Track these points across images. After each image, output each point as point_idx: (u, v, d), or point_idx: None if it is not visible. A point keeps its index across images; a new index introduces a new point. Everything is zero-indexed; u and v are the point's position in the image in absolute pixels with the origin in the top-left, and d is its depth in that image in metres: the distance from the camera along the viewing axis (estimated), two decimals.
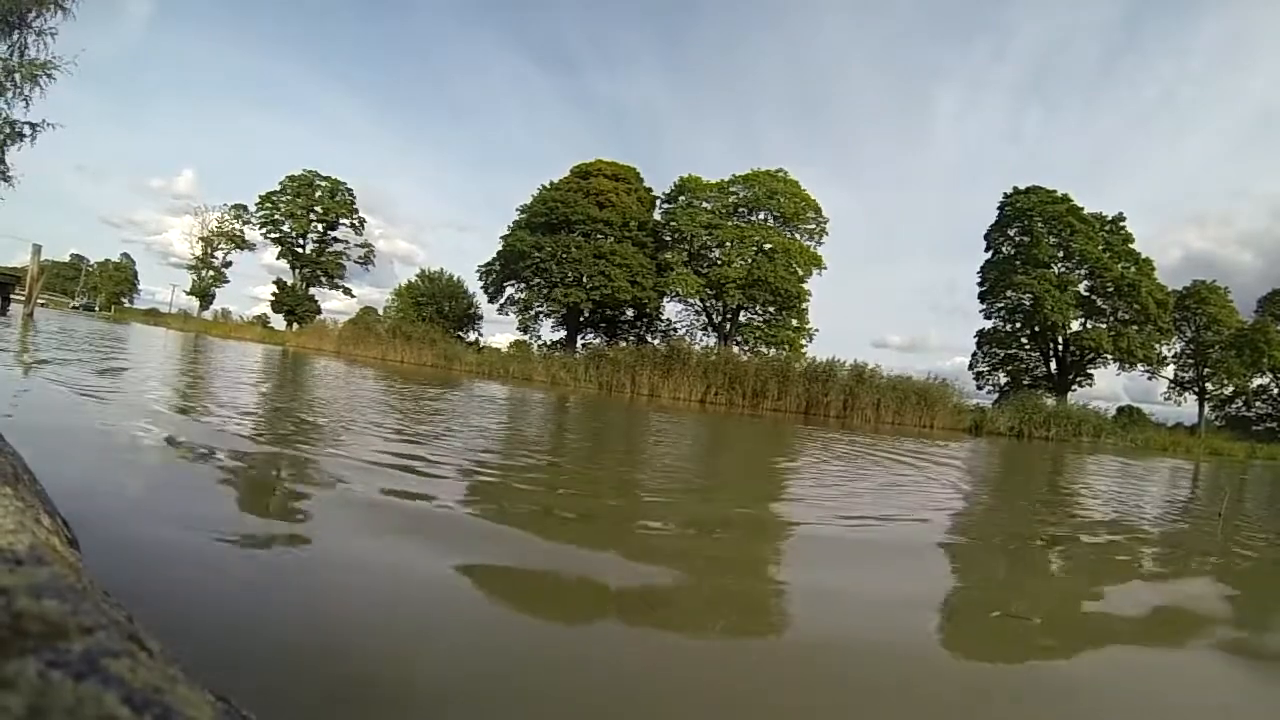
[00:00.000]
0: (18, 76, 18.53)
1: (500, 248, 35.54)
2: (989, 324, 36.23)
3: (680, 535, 2.98)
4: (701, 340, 33.29)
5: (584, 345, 33.75)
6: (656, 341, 31.45)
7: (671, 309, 35.69)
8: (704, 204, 33.92)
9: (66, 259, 69.34)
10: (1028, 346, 35.33)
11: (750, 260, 32.95)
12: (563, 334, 35.30)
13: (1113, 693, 1.75)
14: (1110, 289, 32.89)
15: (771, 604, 2.30)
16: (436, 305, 37.45)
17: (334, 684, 1.37)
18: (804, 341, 33.69)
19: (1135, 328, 32.59)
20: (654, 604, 2.06)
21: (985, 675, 1.85)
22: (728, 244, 33.15)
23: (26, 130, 19.16)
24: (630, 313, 34.93)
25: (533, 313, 34.80)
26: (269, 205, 43.10)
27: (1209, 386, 35.54)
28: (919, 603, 2.40)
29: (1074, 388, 34.18)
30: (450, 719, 1.34)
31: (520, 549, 2.47)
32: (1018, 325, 34.80)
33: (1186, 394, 36.35)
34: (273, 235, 43.49)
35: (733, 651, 1.83)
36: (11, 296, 23.07)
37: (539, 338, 35.53)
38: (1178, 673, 1.97)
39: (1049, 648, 2.07)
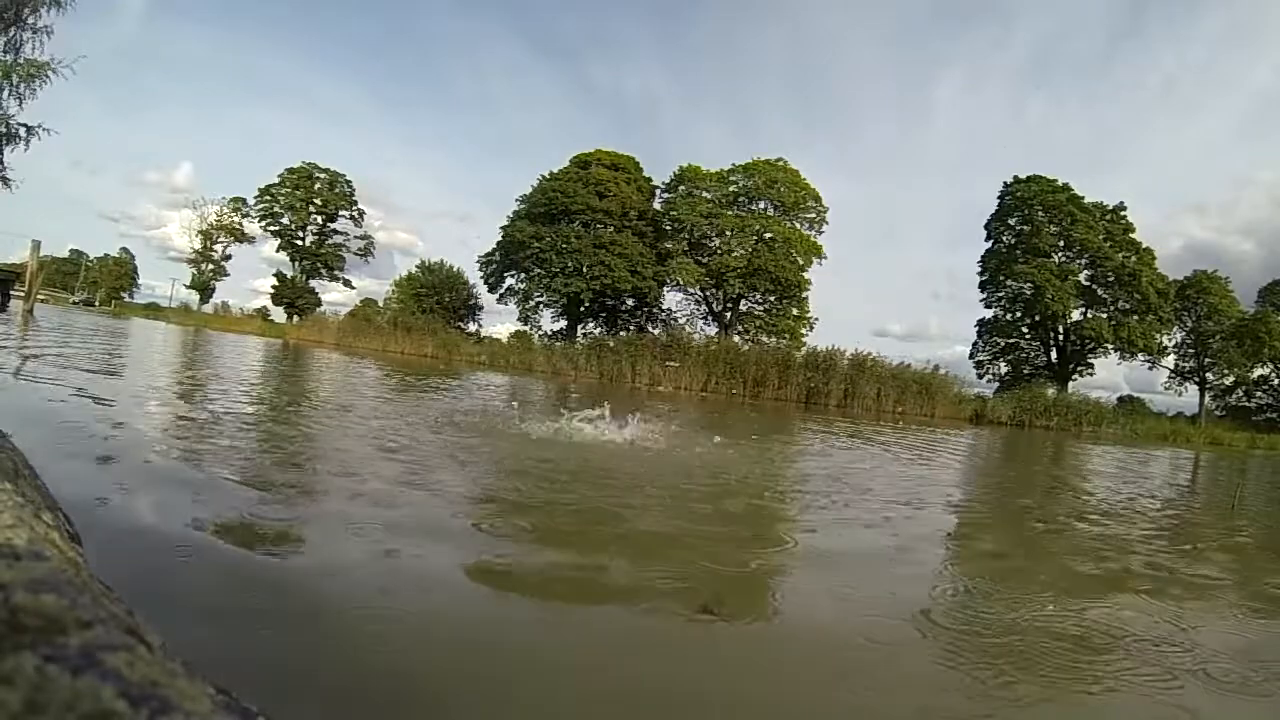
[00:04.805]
0: (14, 76, 18.39)
1: (500, 238, 35.53)
2: (989, 313, 36.25)
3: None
4: (702, 329, 33.30)
5: (584, 335, 33.75)
6: (657, 331, 31.45)
7: (672, 298, 35.76)
8: (704, 193, 33.79)
9: (66, 254, 69.21)
10: (1028, 336, 35.32)
11: (750, 249, 32.88)
12: (563, 324, 35.33)
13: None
14: (1111, 278, 32.83)
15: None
16: (437, 296, 37.43)
17: (334, 683, 1.38)
18: (804, 330, 33.74)
19: (1136, 317, 32.55)
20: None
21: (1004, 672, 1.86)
22: (728, 233, 33.07)
23: (22, 132, 19.03)
24: (630, 302, 34.93)
25: (533, 303, 34.81)
26: (268, 198, 42.93)
27: (1209, 376, 35.49)
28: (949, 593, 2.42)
29: (1075, 377, 34.21)
30: (443, 713, 1.35)
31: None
32: (1018, 315, 34.77)
33: (1187, 384, 36.32)
34: (272, 228, 43.35)
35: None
36: (11, 293, 23.03)
37: (539, 328, 35.61)
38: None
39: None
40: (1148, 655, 1.98)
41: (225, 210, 45.54)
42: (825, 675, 1.67)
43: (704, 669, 1.63)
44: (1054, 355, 34.59)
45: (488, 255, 36.32)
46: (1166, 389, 37.02)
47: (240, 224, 45.86)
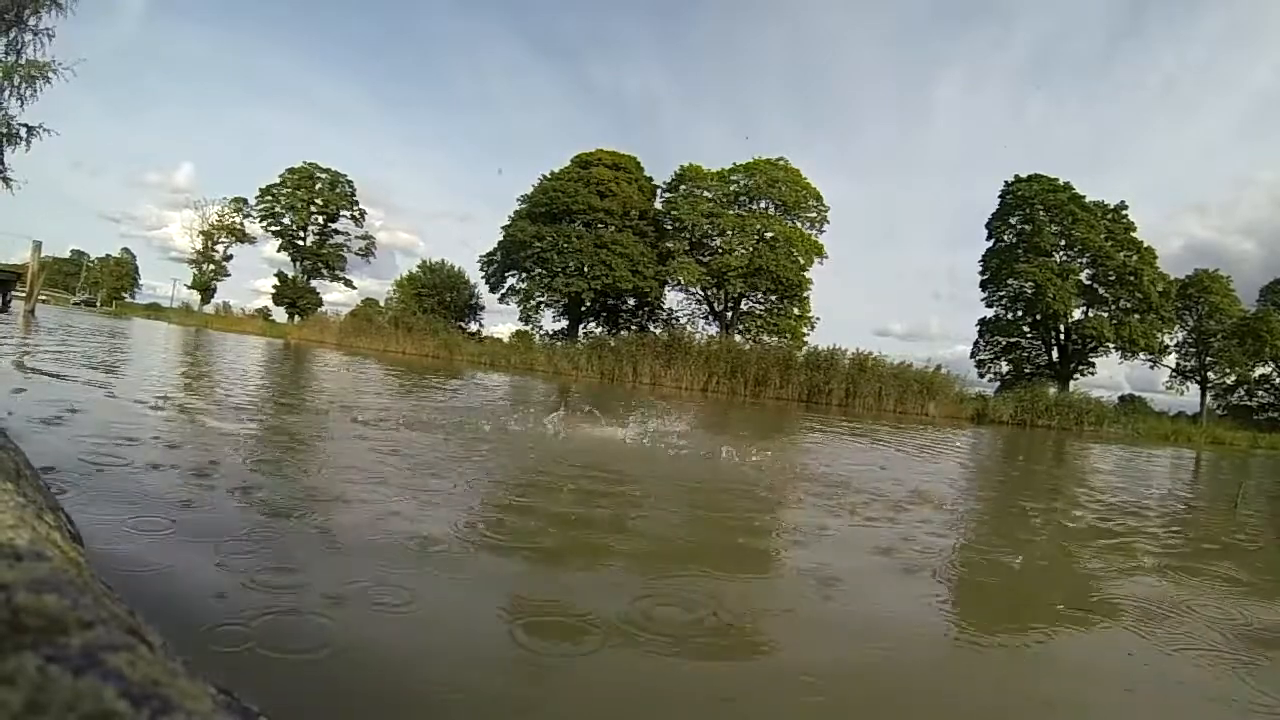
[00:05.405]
0: (16, 77, 18.40)
1: (501, 238, 35.52)
2: (991, 312, 36.16)
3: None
4: (703, 329, 33.24)
5: (586, 335, 33.74)
6: (658, 330, 31.42)
7: (673, 298, 35.68)
8: (705, 193, 33.74)
9: (67, 255, 69.22)
10: (1030, 335, 35.22)
11: (751, 249, 32.84)
12: (564, 324, 35.30)
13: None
14: (1112, 278, 32.76)
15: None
16: (438, 296, 37.38)
17: (334, 685, 1.37)
18: (806, 330, 33.66)
19: (1137, 316, 32.48)
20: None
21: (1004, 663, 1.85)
22: (729, 233, 33.02)
23: (23, 133, 19.04)
24: (632, 302, 34.88)
25: (534, 302, 34.76)
26: (269, 198, 42.94)
27: (1211, 376, 35.38)
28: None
29: (1076, 376, 34.12)
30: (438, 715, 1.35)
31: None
32: (1019, 314, 34.69)
33: (1188, 383, 36.19)
34: (273, 228, 43.35)
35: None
36: (12, 293, 23.05)
37: (541, 328, 35.57)
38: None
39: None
40: (1165, 657, 1.97)
41: (226, 210, 45.55)
42: (834, 686, 1.66)
43: (709, 676, 1.62)
44: (1055, 354, 34.52)
45: (489, 255, 36.30)
46: (1168, 388, 36.93)
47: (241, 224, 45.88)
